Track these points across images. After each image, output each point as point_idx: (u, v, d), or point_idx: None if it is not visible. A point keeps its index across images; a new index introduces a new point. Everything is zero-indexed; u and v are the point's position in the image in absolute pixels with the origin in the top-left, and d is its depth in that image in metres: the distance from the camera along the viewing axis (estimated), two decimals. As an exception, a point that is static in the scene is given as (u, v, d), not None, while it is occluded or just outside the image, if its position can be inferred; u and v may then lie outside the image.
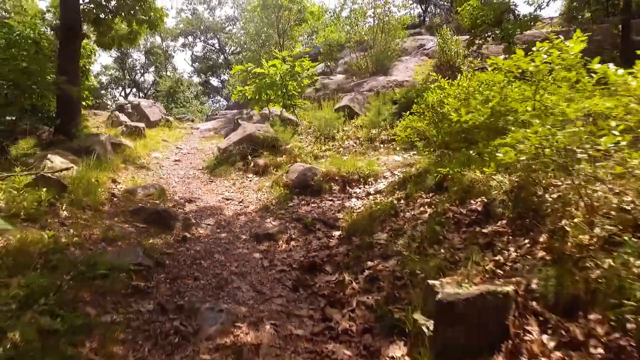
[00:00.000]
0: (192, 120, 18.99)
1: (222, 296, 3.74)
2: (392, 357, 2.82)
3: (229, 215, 6.15)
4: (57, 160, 5.92)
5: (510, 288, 2.73)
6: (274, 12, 17.08)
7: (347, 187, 6.45)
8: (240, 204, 6.66)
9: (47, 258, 3.68)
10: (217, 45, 39.70)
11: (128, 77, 37.11)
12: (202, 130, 15.40)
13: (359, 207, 5.55)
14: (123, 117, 12.83)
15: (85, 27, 10.40)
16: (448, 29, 17.05)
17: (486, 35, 13.64)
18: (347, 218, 5.30)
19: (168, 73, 35.11)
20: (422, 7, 29.55)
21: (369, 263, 4.04)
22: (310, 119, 10.43)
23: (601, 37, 14.50)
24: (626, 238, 2.59)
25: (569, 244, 2.92)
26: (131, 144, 9.56)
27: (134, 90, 37.43)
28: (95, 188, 5.85)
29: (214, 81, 40.74)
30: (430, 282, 2.95)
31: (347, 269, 4.08)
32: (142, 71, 38.16)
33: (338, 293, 3.73)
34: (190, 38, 39.87)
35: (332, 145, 8.77)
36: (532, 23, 12.73)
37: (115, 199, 6.00)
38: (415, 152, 7.06)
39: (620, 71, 2.60)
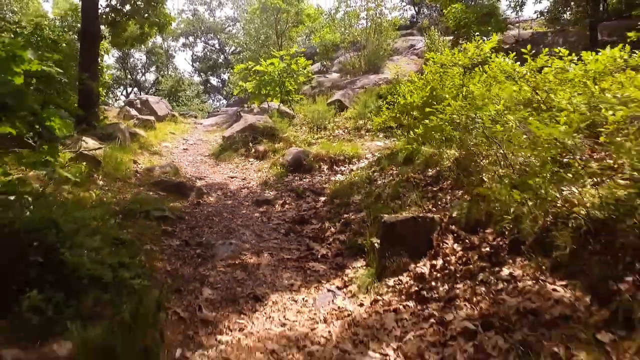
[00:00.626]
0: (195, 117, 20.14)
1: (230, 237, 4.89)
2: (354, 267, 3.97)
3: (233, 188, 7.30)
4: (90, 142, 7.05)
5: (436, 216, 3.89)
6: (272, 14, 18.22)
7: (334, 166, 7.60)
8: (243, 180, 7.81)
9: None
10: (217, 46, 40.81)
11: (130, 77, 38.15)
12: (205, 125, 16.53)
13: (342, 180, 6.70)
14: (133, 112, 13.97)
15: (102, 28, 11.53)
16: (436, 30, 18.19)
17: (468, 35, 14.77)
18: (331, 187, 6.45)
19: (169, 72, 36.25)
20: (415, 8, 30.74)
21: (345, 215, 5.20)
22: (305, 112, 11.58)
23: (575, 38, 15.71)
24: (514, 177, 3.72)
25: (482, 188, 4.06)
26: (144, 134, 10.70)
27: (135, 89, 38.48)
28: (121, 165, 6.99)
29: (214, 81, 41.83)
30: (382, 216, 4.10)
31: (328, 220, 5.24)
32: (144, 71, 39.21)
33: (319, 234, 4.89)
34: (191, 38, 41.01)
35: (324, 134, 9.91)
36: (505, 25, 13.86)
37: (138, 175, 7.15)
38: (395, 139, 8.20)
39: (510, 62, 3.74)
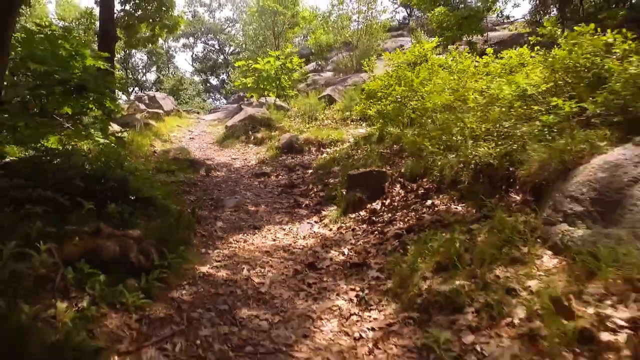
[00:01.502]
0: (198, 113, 21.50)
1: (235, 195, 6.26)
2: (328, 209, 5.34)
3: (236, 166, 8.66)
4: (115, 126, 8.39)
5: (389, 171, 5.26)
6: (270, 16, 19.60)
7: (321, 148, 8.96)
8: (244, 160, 9.17)
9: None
10: (216, 46, 42.15)
11: (131, 76, 39.37)
12: (207, 120, 17.86)
13: (326, 157, 8.07)
14: (142, 106, 15.31)
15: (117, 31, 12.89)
16: (422, 31, 19.55)
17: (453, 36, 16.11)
18: (317, 162, 7.82)
19: (170, 72, 37.54)
20: (408, 11, 32.13)
21: (326, 180, 6.57)
22: (299, 105, 12.93)
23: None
24: (444, 138, 5.09)
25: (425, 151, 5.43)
26: (156, 124, 12.06)
27: (137, 89, 39.69)
28: (142, 147, 8.35)
29: (214, 80, 43.10)
30: (349, 171, 5.47)
31: (312, 184, 6.62)
32: (145, 70, 40.42)
33: (305, 193, 6.27)
34: (191, 39, 42.37)
35: (315, 124, 11.27)
36: (486, 27, 15.23)
37: (155, 155, 8.51)
38: (375, 126, 9.56)
39: (444, 57, 5.11)
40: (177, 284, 3.23)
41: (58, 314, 2.31)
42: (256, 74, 13.21)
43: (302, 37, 27.31)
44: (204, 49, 42.95)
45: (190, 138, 12.54)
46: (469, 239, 3.28)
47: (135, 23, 12.67)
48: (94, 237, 3.10)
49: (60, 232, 3.00)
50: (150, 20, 12.35)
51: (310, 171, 7.56)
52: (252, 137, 10.80)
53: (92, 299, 2.60)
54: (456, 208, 4.11)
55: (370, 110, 7.22)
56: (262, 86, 13.25)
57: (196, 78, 41.25)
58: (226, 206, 5.67)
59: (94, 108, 5.03)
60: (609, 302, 2.19)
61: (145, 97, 17.06)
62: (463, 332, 2.40)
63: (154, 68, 39.76)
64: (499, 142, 4.11)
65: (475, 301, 2.57)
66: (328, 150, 8.81)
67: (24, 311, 2.16)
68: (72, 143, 5.00)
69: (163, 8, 12.14)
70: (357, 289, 3.26)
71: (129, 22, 12.36)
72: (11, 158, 4.38)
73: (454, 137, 4.61)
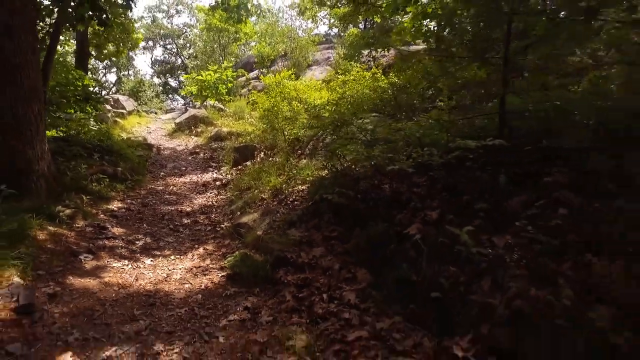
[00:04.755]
0: (156, 113, 25.21)
1: (174, 163, 10.40)
2: (225, 166, 9.61)
3: (179, 149, 12.76)
4: (91, 121, 12.27)
5: (257, 145, 9.59)
6: (216, 33, 23.63)
7: (239, 137, 13.17)
8: (185, 146, 13.28)
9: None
10: (175, 50, 45.42)
11: (91, 77, 42.01)
12: (164, 119, 21.68)
13: (241, 140, 12.31)
14: (109, 107, 19.01)
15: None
16: (342, 47, 24.03)
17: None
18: (232, 145, 12.05)
19: (130, 74, 40.63)
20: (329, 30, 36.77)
21: (233, 155, 10.81)
22: (233, 107, 17.08)
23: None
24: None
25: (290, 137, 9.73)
26: (121, 121, 15.91)
27: (97, 89, 42.33)
28: (114, 135, 12.28)
29: (173, 82, 46.32)
30: (236, 146, 9.74)
31: (223, 157, 10.85)
32: (104, 72, 43.17)
33: (217, 161, 10.49)
34: (150, 42, 45.47)
35: (242, 121, 15.46)
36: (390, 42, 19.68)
37: (121, 141, 12.48)
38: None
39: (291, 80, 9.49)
40: (139, 188, 7.43)
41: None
42: (199, 84, 17.31)
43: (248, 47, 31.39)
44: (163, 52, 46.07)
45: (148, 132, 16.45)
46: (282, 166, 7.63)
47: (103, 42, 16.45)
48: (102, 166, 7.26)
49: (87, 162, 7.15)
50: (115, 41, 16.18)
51: (224, 150, 11.79)
52: (194, 131, 14.88)
53: (102, 187, 6.80)
54: (280, 159, 8.44)
55: (257, 112, 11.54)
56: (204, 93, 17.34)
57: (156, 80, 44.42)
58: (167, 167, 9.82)
59: (90, 110, 9.08)
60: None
61: (111, 99, 20.71)
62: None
63: (114, 69, 42.70)
64: (298, 129, 8.49)
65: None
66: (240, 138, 13.05)
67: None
68: (79, 128, 9.03)
69: (126, 33, 15.99)
70: (218, 189, 7.55)
71: (98, 42, 16.15)
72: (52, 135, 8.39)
73: (287, 127, 8.96)
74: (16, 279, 3.49)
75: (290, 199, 5.63)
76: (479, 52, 3.95)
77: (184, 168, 9.89)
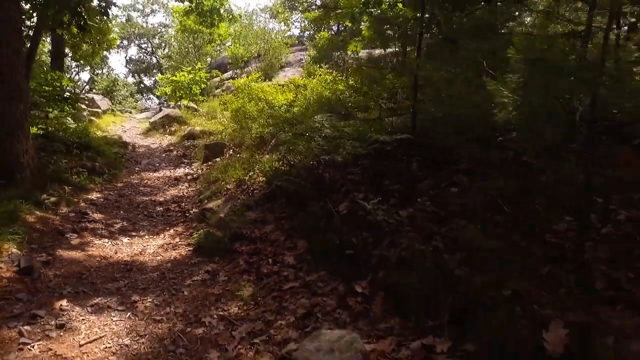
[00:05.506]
0: (130, 112, 25.56)
1: (149, 160, 11.07)
2: (197, 163, 10.35)
3: (153, 147, 13.39)
4: (69, 119, 12.78)
5: (227, 142, 10.36)
6: (191, 34, 24.17)
7: (211, 135, 13.89)
8: (159, 144, 13.91)
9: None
10: (150, 49, 45.46)
11: (65, 75, 41.65)
12: (138, 118, 22.12)
13: (212, 139, 13.03)
14: (84, 106, 19.37)
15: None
16: (313, 49, 24.84)
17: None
18: (204, 143, 12.76)
19: (103, 72, 40.52)
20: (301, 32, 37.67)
21: (205, 151, 11.53)
22: (206, 107, 17.73)
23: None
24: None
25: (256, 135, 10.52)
26: (96, 120, 16.38)
27: (75, 90, 41.97)
28: (91, 133, 12.83)
29: (147, 81, 46.33)
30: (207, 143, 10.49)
31: (195, 153, 11.57)
32: (77, 70, 42.88)
33: (189, 158, 11.21)
34: (125, 42, 45.37)
35: (214, 121, 16.15)
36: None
37: (98, 138, 13.04)
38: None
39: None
40: (116, 181, 8.13)
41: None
42: (173, 84, 17.90)
43: (222, 48, 31.94)
44: (138, 52, 46.04)
45: (124, 131, 16.94)
46: (247, 161, 8.44)
47: (79, 42, 16.87)
48: (81, 160, 7.93)
49: (67, 157, 7.80)
50: (90, 42, 16.63)
51: (197, 148, 12.50)
52: (168, 130, 15.49)
53: (81, 179, 7.48)
54: (246, 155, 9.24)
55: (227, 113, 12.31)
56: (178, 94, 17.94)
57: (130, 79, 44.35)
58: (142, 163, 10.50)
59: (68, 109, 9.68)
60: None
61: (86, 98, 21.04)
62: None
63: (87, 68, 42.46)
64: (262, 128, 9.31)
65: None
66: (212, 137, 13.77)
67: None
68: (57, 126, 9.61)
69: (101, 33, 16.45)
70: (189, 183, 8.31)
71: (74, 42, 16.56)
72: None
73: (254, 126, 9.76)
74: (14, 250, 4.22)
75: (252, 188, 6.46)
76: (399, 65, 4.88)
77: (157, 164, 10.58)
